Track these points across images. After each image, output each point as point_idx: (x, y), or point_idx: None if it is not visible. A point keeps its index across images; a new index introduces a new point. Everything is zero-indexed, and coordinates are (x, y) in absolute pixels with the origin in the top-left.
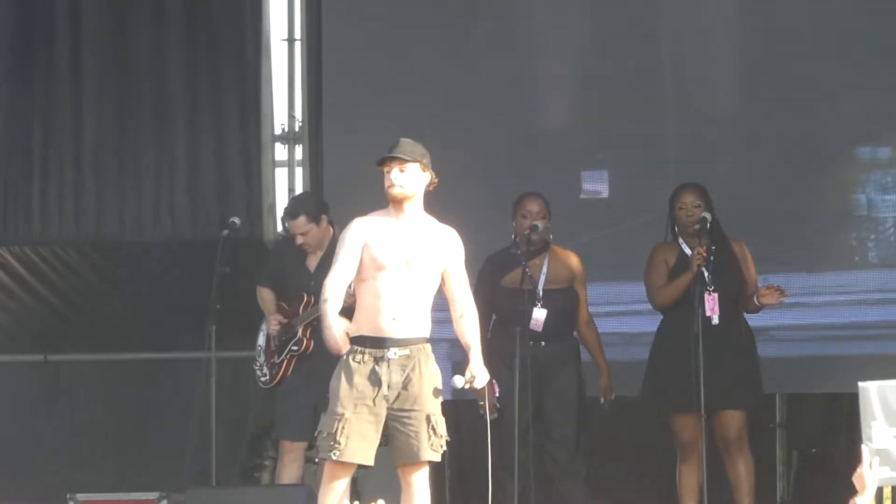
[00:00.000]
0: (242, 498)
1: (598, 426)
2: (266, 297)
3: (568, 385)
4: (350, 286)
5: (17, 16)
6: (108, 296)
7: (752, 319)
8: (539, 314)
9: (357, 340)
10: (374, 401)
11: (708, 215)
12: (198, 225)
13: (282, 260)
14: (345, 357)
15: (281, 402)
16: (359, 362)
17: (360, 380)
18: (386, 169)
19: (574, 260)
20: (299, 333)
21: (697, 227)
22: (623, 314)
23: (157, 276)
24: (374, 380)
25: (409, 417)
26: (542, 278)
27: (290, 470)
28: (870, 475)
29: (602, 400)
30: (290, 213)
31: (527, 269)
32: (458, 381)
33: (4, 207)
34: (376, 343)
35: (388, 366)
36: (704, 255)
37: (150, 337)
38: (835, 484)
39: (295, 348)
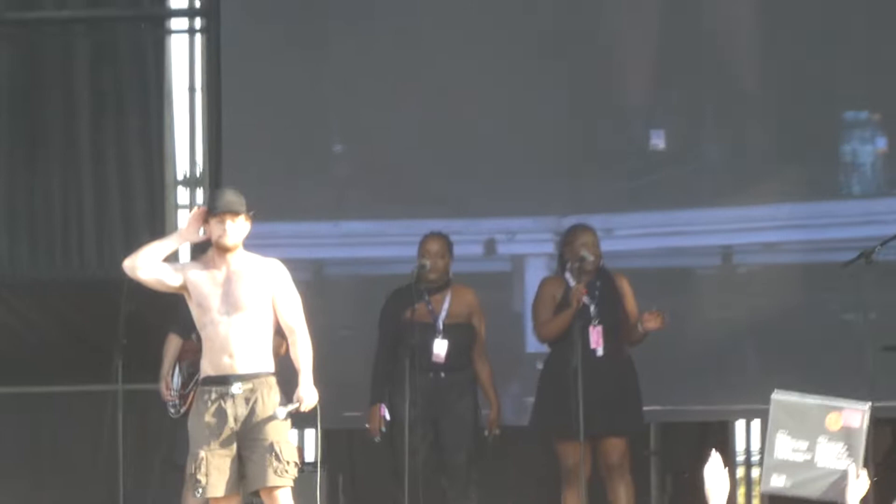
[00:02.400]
0: None
1: (490, 456)
2: (171, 345)
3: (465, 413)
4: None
5: None
6: (20, 333)
7: None
8: (439, 347)
9: (204, 382)
10: (225, 435)
11: (588, 255)
12: (104, 265)
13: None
14: (196, 401)
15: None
16: (206, 402)
17: (210, 418)
18: (218, 220)
19: (471, 296)
20: None
21: (577, 265)
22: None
23: (67, 314)
24: (222, 416)
25: (254, 446)
26: (444, 312)
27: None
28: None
29: (487, 433)
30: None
31: (429, 304)
32: (281, 412)
33: None
34: (220, 381)
35: (234, 400)
36: (584, 291)
37: (61, 371)
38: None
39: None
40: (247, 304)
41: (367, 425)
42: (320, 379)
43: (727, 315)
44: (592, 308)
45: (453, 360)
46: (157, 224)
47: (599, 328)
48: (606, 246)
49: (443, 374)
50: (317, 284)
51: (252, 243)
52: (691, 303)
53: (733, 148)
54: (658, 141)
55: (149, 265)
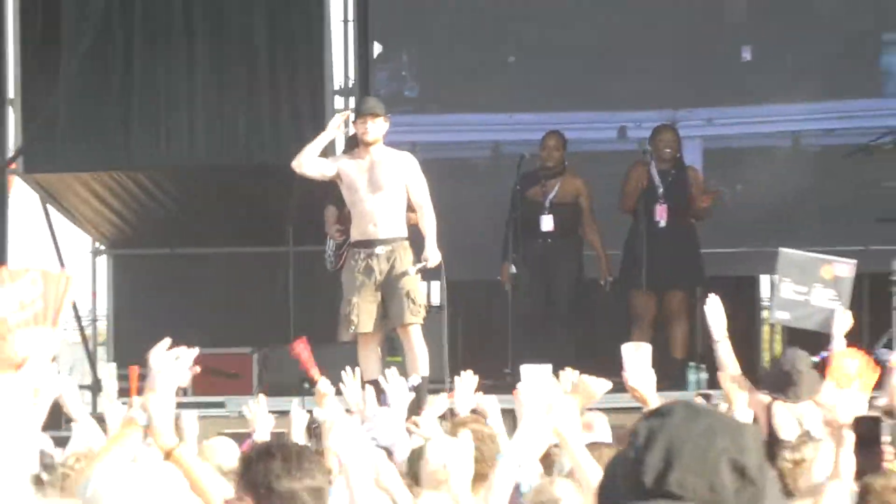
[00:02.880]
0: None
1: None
2: (330, 213)
3: (568, 272)
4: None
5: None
6: (208, 207)
7: None
8: (546, 221)
9: (354, 245)
10: (371, 285)
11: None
12: (279, 154)
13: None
14: (348, 260)
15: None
16: (357, 260)
17: (360, 273)
18: (361, 121)
19: (579, 182)
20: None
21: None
22: None
23: (245, 193)
24: (369, 271)
25: (394, 294)
26: (552, 193)
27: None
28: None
29: (602, 281)
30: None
31: (544, 186)
32: (412, 269)
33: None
34: (367, 244)
35: (378, 259)
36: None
37: (243, 238)
38: None
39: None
40: (385, 185)
41: (499, 278)
42: (451, 242)
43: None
44: (661, 190)
45: (559, 231)
46: (318, 123)
47: (665, 206)
48: (709, 131)
49: (549, 241)
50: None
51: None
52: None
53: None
54: (746, 54)
55: (310, 163)
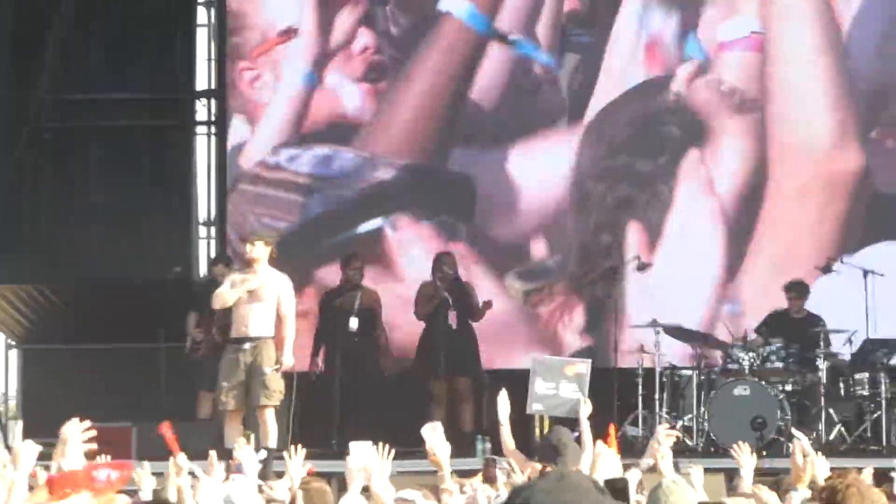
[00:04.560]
0: None
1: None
2: (191, 319)
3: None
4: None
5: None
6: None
7: None
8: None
9: (230, 340)
10: (240, 373)
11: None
12: (150, 269)
13: None
14: (225, 351)
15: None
16: (231, 352)
17: (232, 364)
18: (247, 243)
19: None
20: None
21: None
22: None
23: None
24: (238, 361)
25: (255, 381)
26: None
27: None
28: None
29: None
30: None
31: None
32: (269, 370)
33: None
34: (238, 341)
35: (245, 353)
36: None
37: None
38: None
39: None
40: (260, 296)
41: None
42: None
43: None
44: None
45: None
46: (186, 249)
47: (454, 312)
48: None
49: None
50: None
51: None
52: None
53: None
54: None
55: (223, 301)
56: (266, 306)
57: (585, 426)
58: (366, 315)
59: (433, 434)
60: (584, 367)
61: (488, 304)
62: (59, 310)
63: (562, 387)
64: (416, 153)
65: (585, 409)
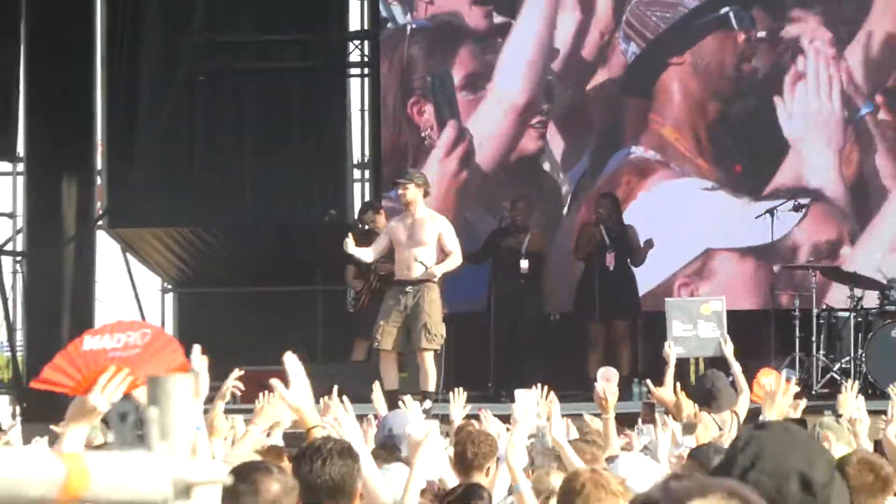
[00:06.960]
0: None
1: None
2: (349, 271)
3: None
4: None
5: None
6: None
7: None
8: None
9: (393, 282)
10: (398, 314)
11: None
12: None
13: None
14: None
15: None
16: (391, 293)
17: (391, 305)
18: (399, 188)
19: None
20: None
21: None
22: None
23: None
24: (398, 303)
25: (416, 324)
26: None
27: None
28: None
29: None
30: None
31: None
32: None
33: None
34: (401, 283)
35: (407, 296)
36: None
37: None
38: None
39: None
40: (420, 238)
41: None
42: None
43: None
44: (608, 242)
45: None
46: (339, 191)
47: (612, 254)
48: None
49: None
50: None
51: None
52: None
53: None
54: None
55: (370, 257)
56: (427, 249)
57: (737, 368)
58: (533, 257)
59: (609, 383)
60: (718, 304)
61: (649, 244)
62: (215, 253)
63: (700, 326)
64: None
65: (728, 348)
